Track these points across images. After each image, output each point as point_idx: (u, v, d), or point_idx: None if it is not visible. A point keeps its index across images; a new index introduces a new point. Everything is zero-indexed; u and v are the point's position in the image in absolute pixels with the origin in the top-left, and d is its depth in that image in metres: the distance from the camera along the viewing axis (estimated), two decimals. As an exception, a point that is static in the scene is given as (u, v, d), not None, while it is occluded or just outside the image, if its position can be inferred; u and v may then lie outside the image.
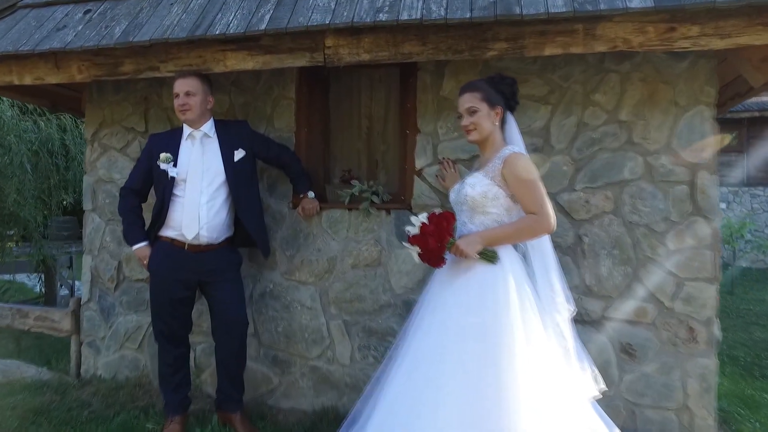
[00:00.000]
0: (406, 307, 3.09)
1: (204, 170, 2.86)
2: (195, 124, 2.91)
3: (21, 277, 8.95)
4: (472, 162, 3.03)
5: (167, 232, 2.88)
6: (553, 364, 2.11)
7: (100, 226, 3.69)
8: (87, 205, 3.74)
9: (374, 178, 3.44)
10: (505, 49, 2.60)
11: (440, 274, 2.36)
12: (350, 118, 3.58)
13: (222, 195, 2.89)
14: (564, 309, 2.25)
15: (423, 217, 2.25)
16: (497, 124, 2.37)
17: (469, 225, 2.31)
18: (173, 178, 2.85)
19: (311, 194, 3.15)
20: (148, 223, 2.98)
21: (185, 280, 2.87)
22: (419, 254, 2.23)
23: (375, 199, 3.10)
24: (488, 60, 2.98)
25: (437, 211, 2.29)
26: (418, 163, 3.12)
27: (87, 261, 3.72)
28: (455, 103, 3.08)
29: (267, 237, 3.15)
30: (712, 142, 2.75)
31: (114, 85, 3.68)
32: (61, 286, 7.76)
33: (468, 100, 2.35)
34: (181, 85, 2.87)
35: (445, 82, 3.09)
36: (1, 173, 6.22)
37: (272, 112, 3.36)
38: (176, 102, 2.87)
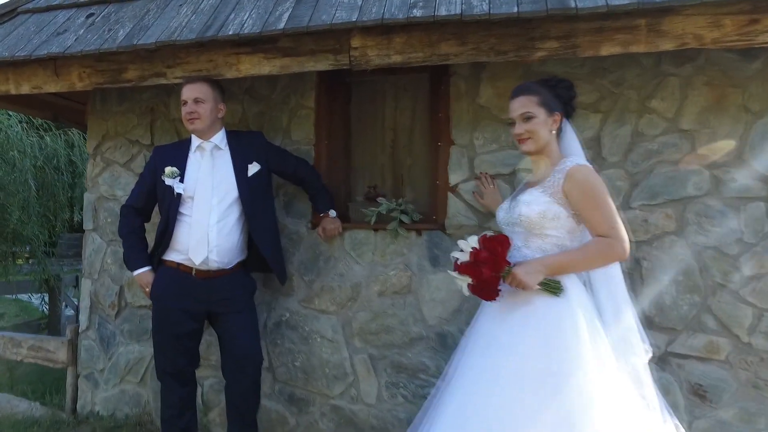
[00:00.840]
0: (440, 340, 2.71)
1: (214, 186, 2.51)
2: (204, 134, 2.57)
3: (24, 297, 8.57)
4: (513, 177, 2.67)
5: (172, 256, 2.52)
6: (633, 417, 1.72)
7: (101, 247, 3.34)
8: (87, 225, 3.39)
9: (400, 195, 3.08)
10: (556, 49, 2.26)
11: (490, 307, 1.98)
12: (373, 130, 3.23)
13: (234, 214, 2.54)
14: (641, 350, 1.87)
15: (473, 241, 1.88)
16: (555, 132, 2.02)
17: (524, 250, 1.94)
18: (179, 195, 2.50)
19: (333, 213, 2.79)
20: (151, 245, 2.63)
21: (192, 311, 2.50)
22: (470, 286, 1.86)
23: (404, 218, 2.74)
24: (530, 63, 2.64)
25: (489, 233, 1.92)
26: (453, 179, 2.76)
27: (86, 285, 3.37)
28: (493, 112, 2.75)
29: (283, 261, 2.78)
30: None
31: (118, 95, 3.36)
32: (65, 306, 7.42)
33: (522, 105, 1.99)
34: (189, 92, 2.53)
35: (482, 88, 2.74)
36: (5, 189, 5.94)
37: (289, 123, 3.02)
38: (184, 110, 2.54)
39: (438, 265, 2.73)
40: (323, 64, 2.50)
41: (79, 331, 3.37)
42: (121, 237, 2.62)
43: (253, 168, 2.58)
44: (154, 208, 2.67)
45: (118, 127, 3.35)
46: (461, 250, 1.90)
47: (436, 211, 2.84)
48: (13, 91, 3.09)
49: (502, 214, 2.09)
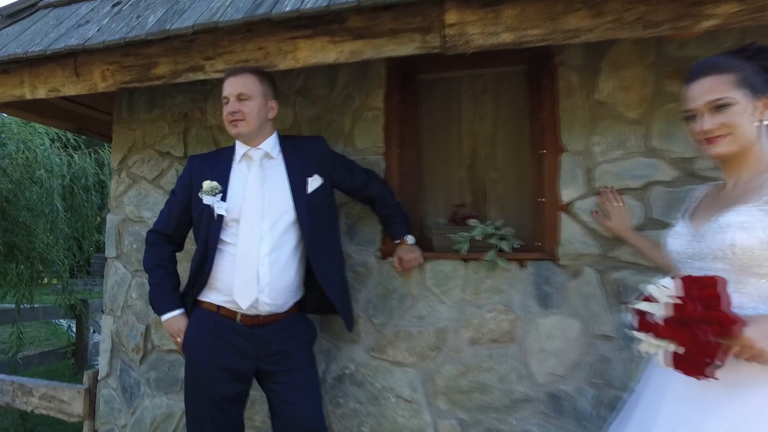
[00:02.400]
0: (552, 404, 2.02)
1: (265, 206, 1.88)
2: (252, 140, 1.95)
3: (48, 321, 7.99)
4: (645, 191, 2.00)
5: (211, 297, 1.89)
6: None
7: (126, 278, 2.73)
8: (110, 251, 2.79)
9: (483, 216, 2.42)
10: (734, 15, 1.60)
11: (677, 381, 1.28)
12: (447, 139, 2.59)
13: (290, 241, 1.90)
14: None
15: (671, 285, 1.20)
16: (762, 124, 1.35)
17: (734, 296, 1.25)
18: (221, 218, 1.88)
19: (411, 239, 2.14)
20: (184, 281, 2.00)
21: (236, 369, 1.86)
22: (675, 355, 1.17)
23: (504, 245, 2.07)
24: (670, 39, 1.99)
25: (692, 272, 1.24)
26: (565, 195, 2.09)
27: (107, 323, 2.76)
28: (618, 110, 2.07)
29: (350, 300, 2.13)
30: None
31: (147, 100, 2.78)
32: (93, 332, 6.85)
33: (711, 88, 1.33)
34: (231, 86, 1.92)
35: (602, 80, 2.08)
36: (32, 210, 5.43)
37: (353, 128, 2.39)
38: (225, 110, 1.93)
39: (549, 306, 2.05)
40: (407, 47, 1.87)
41: (98, 378, 2.75)
42: (146, 271, 1.99)
43: (314, 182, 1.95)
44: (188, 233, 2.05)
45: (147, 137, 2.76)
46: (648, 298, 1.23)
47: (540, 236, 2.17)
48: (28, 96, 2.54)
49: (681, 242, 1.41)
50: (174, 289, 1.94)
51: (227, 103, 1.92)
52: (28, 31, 2.67)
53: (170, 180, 2.66)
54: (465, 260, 2.15)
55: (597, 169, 2.06)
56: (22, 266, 5.48)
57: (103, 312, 6.87)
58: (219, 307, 1.86)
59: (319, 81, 2.45)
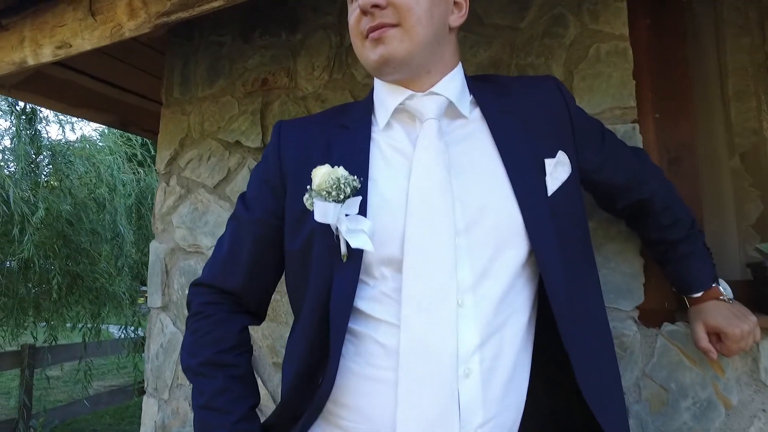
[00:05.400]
0: None
1: (460, 227, 0.73)
2: (416, 76, 0.81)
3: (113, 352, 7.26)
4: None
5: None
6: None
7: (175, 340, 1.69)
8: (153, 299, 1.77)
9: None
10: None
11: None
12: (699, 102, 1.41)
13: (520, 310, 0.75)
14: None
15: None
16: None
17: None
18: (360, 257, 0.74)
19: (726, 288, 0.95)
20: (269, 397, 0.89)
21: None
22: None
23: None
24: None
25: None
26: None
27: (149, 409, 1.72)
28: None
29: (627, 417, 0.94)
30: None
31: (209, 68, 1.77)
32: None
33: None
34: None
35: None
36: (96, 234, 4.66)
37: (570, 76, 1.25)
38: (352, 12, 0.81)
39: None
40: None
41: (136, 495, 1.71)
42: (187, 375, 0.85)
43: (558, 168, 0.80)
44: (274, 289, 0.93)
45: (206, 122, 1.74)
46: None
47: None
48: (31, 60, 1.64)
49: None
50: (246, 419, 0.81)
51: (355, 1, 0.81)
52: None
53: (241, 187, 1.61)
54: None
55: None
56: (85, 299, 4.74)
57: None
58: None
59: (497, 4, 1.33)
